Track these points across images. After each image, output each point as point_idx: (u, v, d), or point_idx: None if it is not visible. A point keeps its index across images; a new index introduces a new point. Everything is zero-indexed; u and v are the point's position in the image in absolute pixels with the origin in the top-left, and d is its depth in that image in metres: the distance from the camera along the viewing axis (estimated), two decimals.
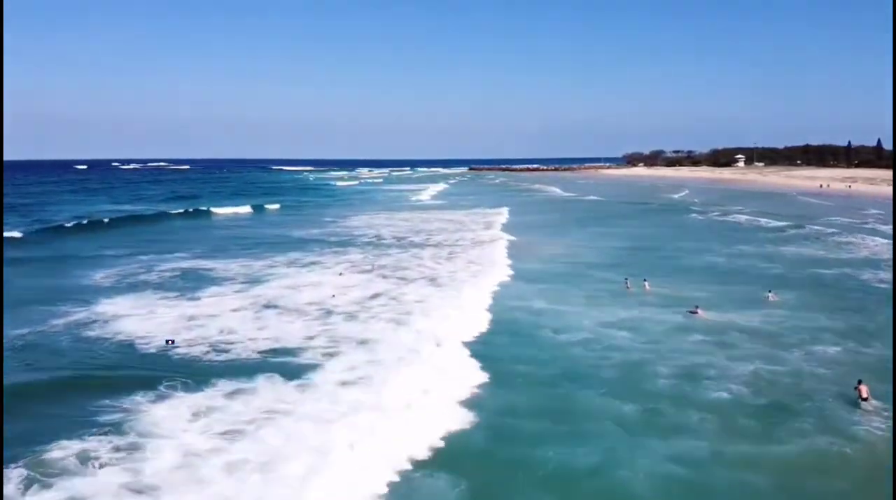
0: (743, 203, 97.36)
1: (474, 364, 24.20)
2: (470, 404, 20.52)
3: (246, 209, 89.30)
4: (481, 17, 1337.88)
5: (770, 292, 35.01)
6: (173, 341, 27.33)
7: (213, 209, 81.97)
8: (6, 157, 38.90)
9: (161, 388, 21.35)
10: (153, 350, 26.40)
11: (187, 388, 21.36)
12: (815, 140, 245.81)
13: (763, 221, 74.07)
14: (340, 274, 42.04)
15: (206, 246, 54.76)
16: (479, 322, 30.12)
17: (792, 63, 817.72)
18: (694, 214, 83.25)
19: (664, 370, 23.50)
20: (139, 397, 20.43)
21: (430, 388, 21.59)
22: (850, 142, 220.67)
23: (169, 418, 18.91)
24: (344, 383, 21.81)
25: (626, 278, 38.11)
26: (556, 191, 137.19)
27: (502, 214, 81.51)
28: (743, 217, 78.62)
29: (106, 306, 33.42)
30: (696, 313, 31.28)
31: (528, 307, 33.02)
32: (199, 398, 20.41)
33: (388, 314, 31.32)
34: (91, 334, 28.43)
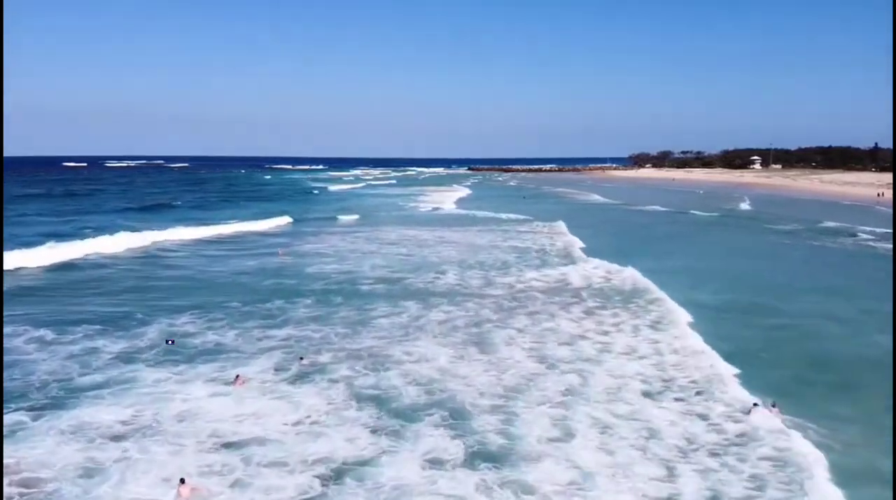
0: (817, 216, 74.67)
1: None
2: None
3: (193, 231, 58.61)
4: (480, 17, 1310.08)
5: None
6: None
7: (147, 233, 54.99)
8: None
9: None
10: None
11: None
12: (824, 142, 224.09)
13: (881, 247, 51.43)
14: (236, 378, 19.82)
15: (60, 299, 31.51)
16: None
17: (797, 62, 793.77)
18: (778, 235, 60.40)
19: None
20: None
21: None
22: (876, 144, 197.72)
23: None
24: None
25: (753, 405, 17.56)
26: (597, 198, 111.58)
27: (563, 232, 58.02)
28: (847, 239, 56.00)
29: None
30: None
31: None
32: None
33: None
34: None
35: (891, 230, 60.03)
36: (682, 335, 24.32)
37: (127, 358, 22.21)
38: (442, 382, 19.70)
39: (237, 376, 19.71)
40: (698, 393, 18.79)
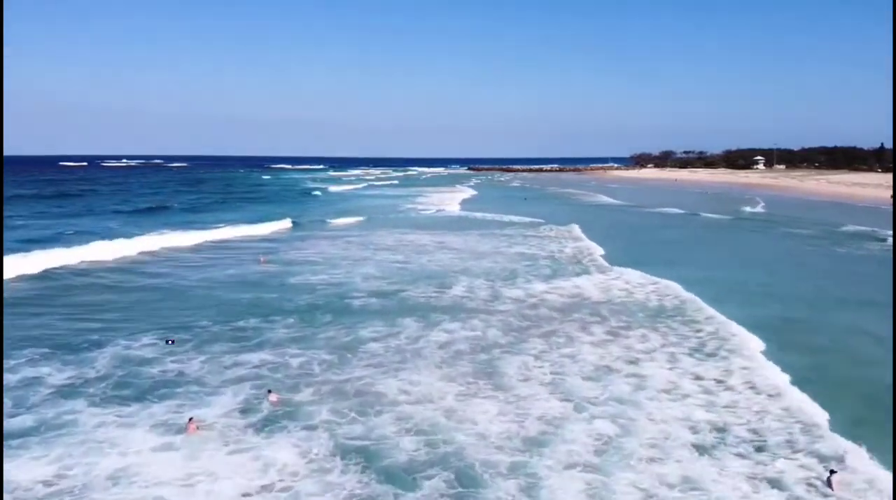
0: (834, 219, 71.08)
1: None
2: None
3: (182, 237, 53.04)
4: (480, 16, 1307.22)
5: None
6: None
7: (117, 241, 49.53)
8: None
9: None
10: None
11: None
12: (827, 142, 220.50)
13: None
14: (189, 422, 16.13)
15: (14, 317, 27.13)
16: None
17: (799, 61, 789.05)
18: (798, 240, 56.69)
19: None
20: None
21: None
22: (882, 144, 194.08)
23: None
24: None
25: (830, 472, 13.56)
26: (604, 198, 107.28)
27: (580, 237, 53.66)
28: (874, 245, 52.43)
29: None
30: None
31: None
32: None
33: None
34: None
35: None
36: (728, 367, 20.61)
37: (69, 392, 18.56)
38: (446, 430, 16.00)
39: (190, 420, 16.04)
40: (759, 449, 15.08)
